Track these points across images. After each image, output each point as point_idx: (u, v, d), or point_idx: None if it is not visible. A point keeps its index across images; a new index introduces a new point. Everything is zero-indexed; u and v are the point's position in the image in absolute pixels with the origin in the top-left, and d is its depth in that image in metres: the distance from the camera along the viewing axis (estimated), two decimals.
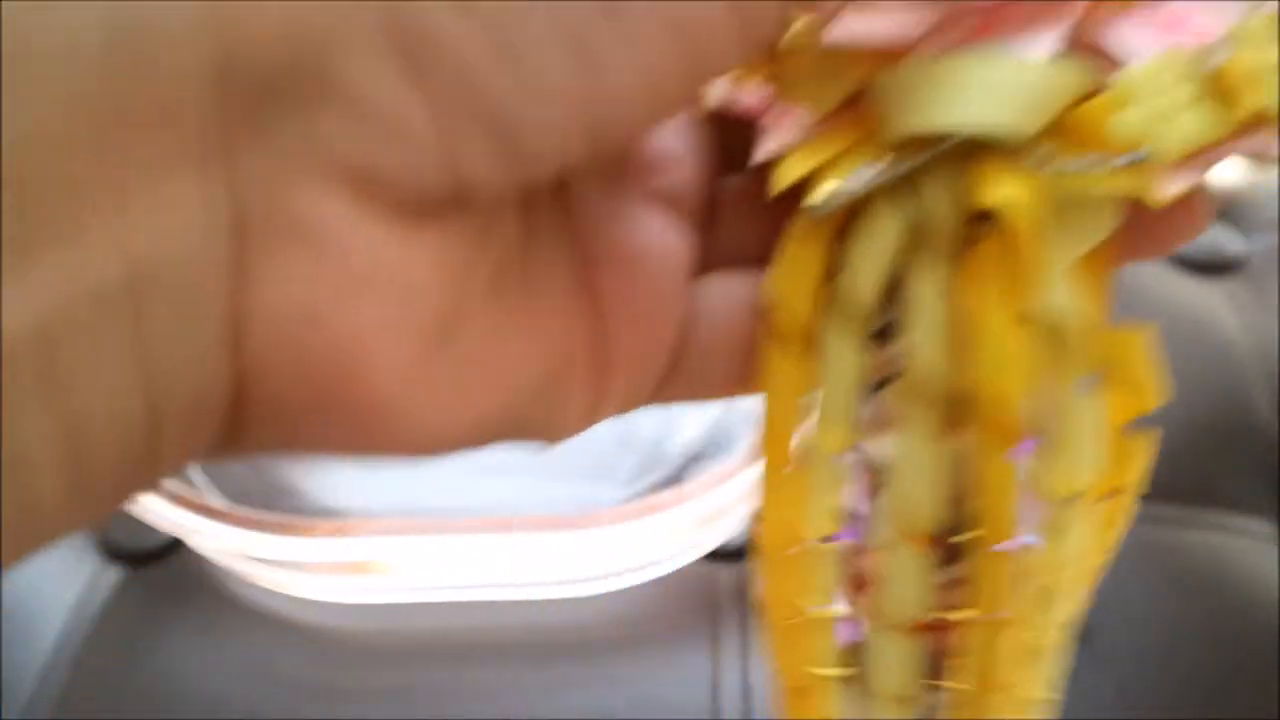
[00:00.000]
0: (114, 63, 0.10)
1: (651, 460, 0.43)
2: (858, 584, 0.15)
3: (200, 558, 0.41)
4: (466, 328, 0.13)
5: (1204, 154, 0.12)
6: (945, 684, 0.15)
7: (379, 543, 0.38)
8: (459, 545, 0.38)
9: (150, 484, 0.12)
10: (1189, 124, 0.12)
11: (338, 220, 0.11)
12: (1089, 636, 0.37)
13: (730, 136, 0.17)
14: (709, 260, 0.17)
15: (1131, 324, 0.14)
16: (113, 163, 0.10)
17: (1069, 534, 0.14)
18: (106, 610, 0.40)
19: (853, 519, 0.15)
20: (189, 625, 0.40)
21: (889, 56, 0.13)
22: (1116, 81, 0.12)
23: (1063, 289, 0.13)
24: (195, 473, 0.41)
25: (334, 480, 0.43)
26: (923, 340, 0.13)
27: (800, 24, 0.14)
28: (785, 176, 0.13)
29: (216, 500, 0.40)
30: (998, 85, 0.12)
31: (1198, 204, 0.14)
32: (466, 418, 0.14)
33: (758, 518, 0.16)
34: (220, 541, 0.38)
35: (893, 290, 0.14)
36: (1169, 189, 0.12)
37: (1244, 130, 0.12)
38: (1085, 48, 0.13)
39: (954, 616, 0.15)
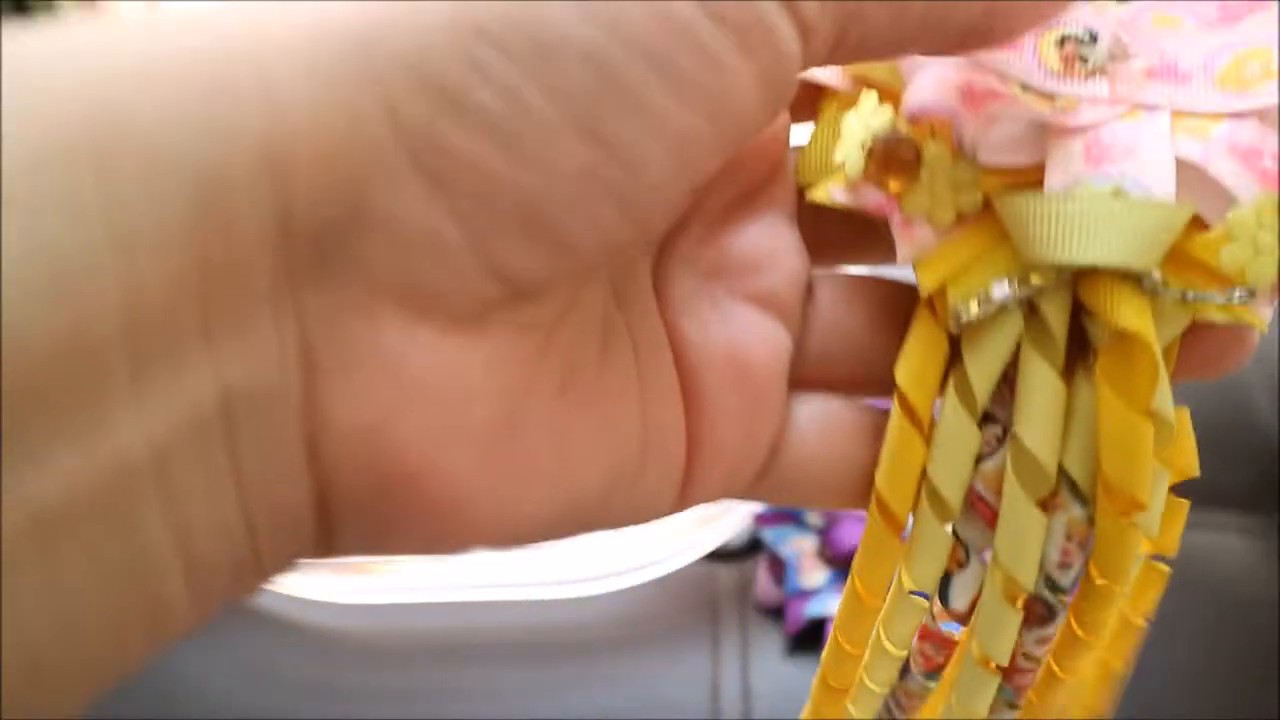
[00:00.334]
0: (198, 238, 0.11)
1: None
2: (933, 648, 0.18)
3: None
4: (529, 427, 0.14)
5: None
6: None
7: None
8: None
9: (259, 585, 0.14)
10: None
11: (391, 338, 0.13)
12: None
13: (827, 229, 0.18)
14: (800, 354, 0.17)
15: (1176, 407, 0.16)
16: (203, 313, 0.12)
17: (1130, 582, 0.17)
18: None
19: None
20: None
21: (1012, 176, 0.15)
22: (1225, 221, 0.14)
23: (1167, 390, 0.15)
24: None
25: None
26: (1034, 425, 0.15)
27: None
28: (925, 285, 0.16)
29: None
30: (1129, 225, 0.14)
31: (1249, 336, 0.16)
32: (537, 510, 0.15)
33: (855, 566, 0.18)
34: None
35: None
36: (1266, 318, 0.15)
37: None
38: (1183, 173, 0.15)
39: (1030, 664, 0.17)
